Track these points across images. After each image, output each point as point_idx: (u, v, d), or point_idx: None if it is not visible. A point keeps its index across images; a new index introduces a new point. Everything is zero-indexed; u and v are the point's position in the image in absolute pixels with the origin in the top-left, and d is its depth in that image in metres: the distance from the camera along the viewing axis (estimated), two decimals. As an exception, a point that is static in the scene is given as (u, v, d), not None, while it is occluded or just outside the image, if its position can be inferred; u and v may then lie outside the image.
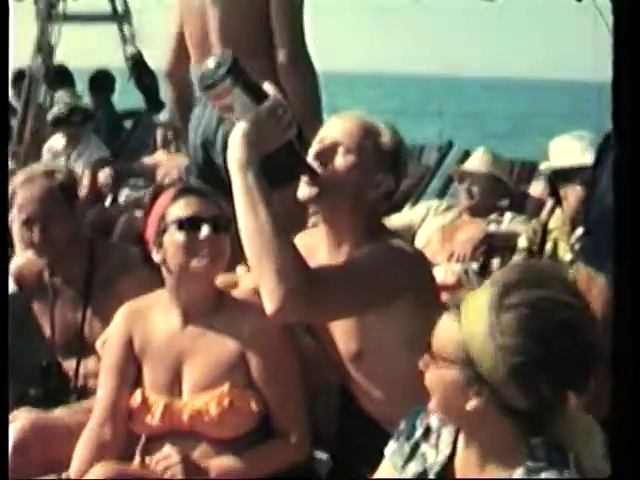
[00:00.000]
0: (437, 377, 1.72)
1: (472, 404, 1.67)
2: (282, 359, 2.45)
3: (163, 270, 2.48)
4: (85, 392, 2.93)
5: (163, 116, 6.05)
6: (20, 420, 2.69)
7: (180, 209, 2.43)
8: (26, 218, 2.97)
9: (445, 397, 1.73)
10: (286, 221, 2.30)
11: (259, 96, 2.18)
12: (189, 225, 2.41)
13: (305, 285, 2.08)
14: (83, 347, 2.97)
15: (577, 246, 3.33)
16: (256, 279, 2.14)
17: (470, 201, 4.38)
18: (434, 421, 1.86)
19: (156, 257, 2.46)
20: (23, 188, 2.99)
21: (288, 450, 2.44)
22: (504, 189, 4.47)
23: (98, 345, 2.67)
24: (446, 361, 1.69)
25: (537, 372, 1.63)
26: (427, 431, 1.87)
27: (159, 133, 6.08)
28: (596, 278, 2.82)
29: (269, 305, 2.08)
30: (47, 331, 3.11)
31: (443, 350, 1.70)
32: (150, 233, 2.47)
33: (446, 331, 1.71)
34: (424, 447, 1.86)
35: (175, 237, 2.41)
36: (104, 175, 5.93)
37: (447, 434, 1.84)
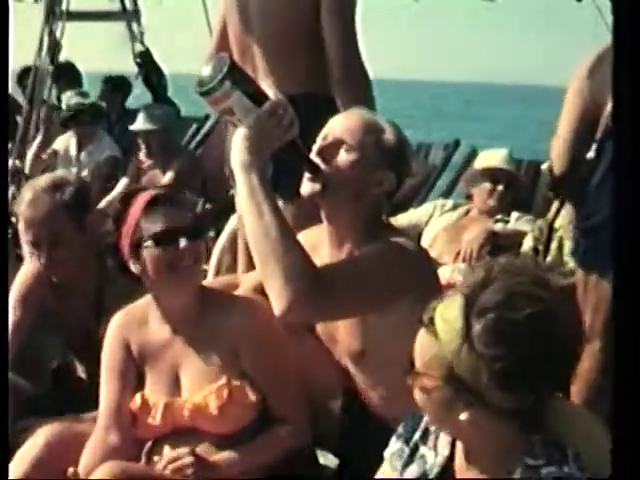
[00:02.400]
0: (424, 395, 1.72)
1: (464, 416, 1.67)
2: (273, 348, 2.46)
3: (145, 280, 2.47)
4: (95, 399, 2.82)
5: (144, 124, 5.85)
6: (44, 434, 2.60)
7: (154, 223, 2.41)
8: (32, 241, 2.90)
9: (436, 413, 1.73)
10: (299, 220, 2.31)
11: (259, 98, 2.19)
12: (165, 239, 2.39)
13: (312, 286, 2.09)
14: (95, 356, 2.95)
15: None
16: (263, 280, 2.15)
17: (490, 200, 4.32)
18: None
19: (134, 268, 2.45)
20: (27, 208, 2.89)
21: (288, 436, 2.45)
22: (519, 189, 4.45)
23: None
24: (430, 378, 1.69)
25: (519, 373, 1.62)
26: (425, 433, 1.87)
27: (141, 141, 5.90)
28: (590, 279, 2.83)
29: (277, 306, 2.09)
30: (61, 335, 3.08)
31: (426, 368, 1.70)
32: (124, 244, 2.45)
33: (425, 347, 1.71)
34: (423, 449, 1.87)
35: (152, 252, 2.40)
36: (120, 188, 5.85)
37: (445, 436, 1.84)
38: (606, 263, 2.72)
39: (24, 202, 2.92)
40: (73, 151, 6.13)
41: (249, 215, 2.13)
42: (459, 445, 1.81)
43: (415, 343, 1.73)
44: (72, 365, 3.10)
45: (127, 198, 2.50)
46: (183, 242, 2.39)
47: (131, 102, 7.53)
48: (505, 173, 4.35)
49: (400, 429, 1.92)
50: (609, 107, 2.75)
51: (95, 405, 2.75)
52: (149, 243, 2.40)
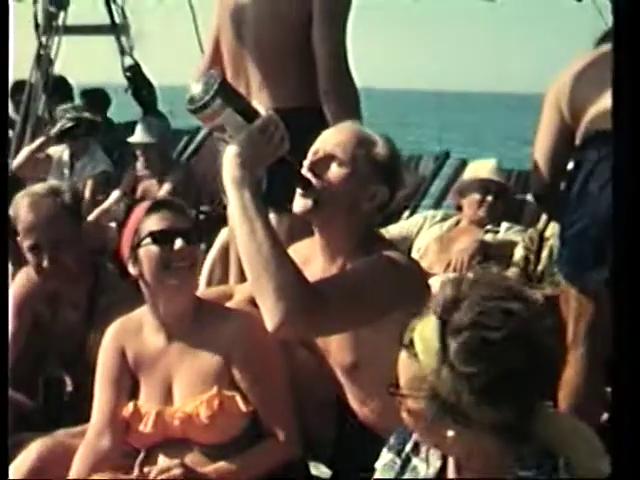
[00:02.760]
0: (410, 415, 1.72)
1: (450, 434, 1.67)
2: (265, 361, 2.47)
3: (141, 284, 2.50)
4: (84, 412, 2.79)
5: (143, 137, 5.91)
6: (37, 447, 2.60)
7: (154, 223, 2.45)
8: (33, 244, 2.91)
9: (423, 432, 1.74)
10: (291, 235, 2.30)
11: (249, 114, 2.20)
12: (162, 238, 2.43)
13: (305, 302, 2.09)
14: (85, 369, 2.95)
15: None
16: (255, 296, 2.15)
17: (480, 211, 4.33)
18: None
19: (132, 270, 2.49)
20: (28, 212, 2.91)
21: (277, 449, 2.45)
22: (508, 199, 4.46)
23: None
24: (414, 398, 1.69)
25: (499, 388, 1.62)
26: (417, 445, 1.87)
27: (139, 154, 5.95)
28: (571, 291, 2.84)
29: (270, 322, 2.09)
30: (51, 347, 3.08)
31: (409, 388, 1.70)
32: (125, 247, 2.49)
33: (406, 368, 1.71)
34: (415, 461, 1.87)
35: (149, 250, 2.44)
36: (112, 200, 5.92)
37: None
38: (587, 271, 2.74)
39: (23, 207, 2.93)
40: (66, 164, 6.13)
41: (241, 231, 2.14)
42: (451, 457, 1.81)
43: (398, 366, 1.73)
44: (62, 378, 3.09)
45: (131, 207, 2.57)
46: (179, 242, 2.42)
47: (116, 115, 7.55)
48: (494, 184, 4.37)
49: (391, 440, 1.93)
50: (588, 116, 2.78)
51: (85, 418, 2.76)
52: (147, 241, 2.44)
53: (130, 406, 2.50)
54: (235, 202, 2.15)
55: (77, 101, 7.28)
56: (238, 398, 2.44)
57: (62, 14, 6.32)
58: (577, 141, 2.88)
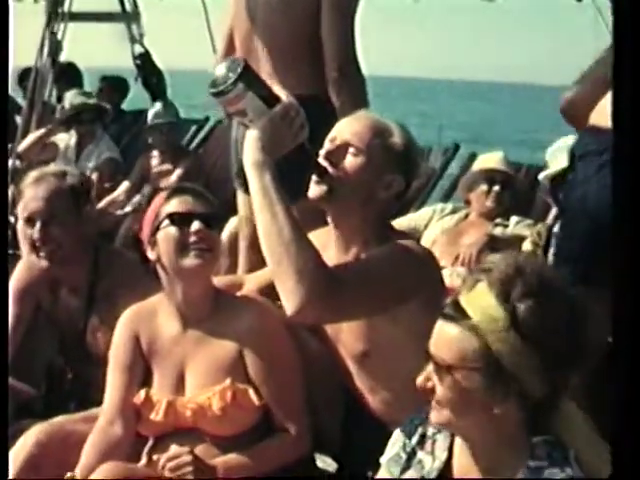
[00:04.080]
0: (458, 388, 1.69)
1: (500, 407, 1.67)
2: (279, 355, 2.47)
3: (159, 270, 2.50)
4: (85, 400, 2.87)
5: (156, 118, 5.96)
6: (35, 433, 2.61)
7: (173, 206, 2.47)
8: (28, 215, 2.91)
9: (468, 406, 1.70)
10: (313, 219, 2.31)
11: (271, 100, 2.21)
12: (180, 219, 2.44)
13: (324, 286, 2.09)
14: (85, 356, 2.95)
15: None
16: (275, 279, 2.14)
17: (488, 202, 4.33)
18: (429, 428, 1.86)
19: (151, 255, 2.49)
20: (31, 186, 2.94)
21: (288, 444, 2.46)
22: (516, 190, 4.45)
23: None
24: (465, 370, 1.67)
25: (557, 357, 1.65)
26: (422, 438, 1.87)
27: (153, 136, 5.98)
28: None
29: (289, 305, 2.09)
30: (52, 335, 3.08)
31: (461, 360, 1.67)
32: (145, 233, 2.50)
33: (460, 341, 1.68)
34: (420, 454, 1.87)
35: (167, 231, 2.44)
36: (122, 190, 5.93)
37: (442, 440, 1.84)
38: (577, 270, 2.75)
39: (29, 179, 2.96)
40: (72, 149, 6.12)
41: (262, 214, 2.13)
42: (457, 449, 1.81)
43: (436, 340, 1.71)
44: (63, 365, 3.09)
45: (153, 195, 2.59)
46: (197, 224, 2.42)
47: (126, 104, 7.54)
48: (500, 173, 4.36)
49: (396, 434, 1.92)
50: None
51: (86, 404, 2.76)
52: (165, 223, 2.44)
53: (142, 394, 2.50)
54: (256, 185, 2.15)
55: (96, 86, 7.29)
56: (251, 391, 2.44)
57: (68, 0, 6.30)
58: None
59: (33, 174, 3.00)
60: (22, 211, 2.94)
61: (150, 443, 2.51)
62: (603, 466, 1.68)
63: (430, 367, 1.72)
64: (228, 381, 2.43)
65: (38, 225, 2.89)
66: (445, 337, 1.70)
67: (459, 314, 1.69)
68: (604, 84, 2.69)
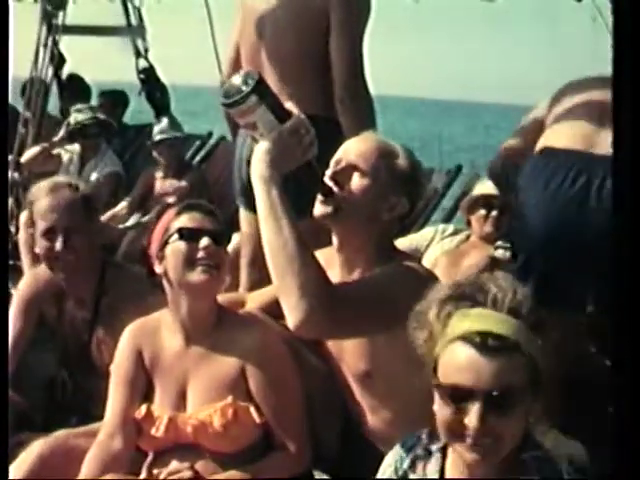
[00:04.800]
0: (520, 414, 1.68)
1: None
2: (281, 374, 2.47)
3: (165, 284, 2.50)
4: (86, 414, 2.86)
5: (161, 133, 5.95)
6: (38, 447, 2.61)
7: (183, 221, 2.48)
8: (49, 227, 2.91)
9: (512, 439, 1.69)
10: (316, 238, 2.31)
11: (282, 115, 2.21)
12: (190, 235, 2.45)
13: (328, 301, 2.10)
14: (88, 369, 2.95)
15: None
16: (279, 294, 2.15)
17: (486, 227, 4.33)
18: (420, 451, 1.87)
19: (158, 269, 2.50)
20: (46, 197, 2.94)
21: (287, 462, 2.46)
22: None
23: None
24: (521, 394, 1.67)
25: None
26: (414, 462, 1.87)
27: (158, 151, 5.98)
28: None
29: (291, 319, 2.10)
30: (56, 349, 3.08)
31: (518, 385, 1.66)
32: (154, 247, 2.51)
33: (512, 366, 1.67)
34: (412, 477, 1.86)
35: (176, 246, 2.45)
36: (124, 204, 5.94)
37: (434, 463, 1.84)
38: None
39: (42, 192, 2.96)
40: (76, 163, 6.13)
41: (267, 229, 2.14)
42: (448, 471, 1.81)
43: (482, 370, 1.67)
44: (66, 378, 3.09)
45: (163, 211, 2.61)
46: (205, 240, 2.43)
47: (129, 118, 7.55)
48: (498, 199, 4.36)
49: (388, 458, 1.93)
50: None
51: (88, 418, 2.75)
52: (174, 237, 2.46)
53: (143, 409, 2.50)
54: (262, 199, 2.16)
55: (94, 101, 7.29)
56: (252, 409, 2.44)
57: (61, 14, 6.28)
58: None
59: (44, 185, 3.00)
60: (39, 222, 2.93)
61: (150, 458, 2.52)
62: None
63: (478, 405, 1.66)
64: (230, 398, 2.43)
65: (61, 238, 2.90)
66: (494, 366, 1.66)
67: (499, 342, 1.66)
68: (537, 135, 2.99)
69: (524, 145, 3.13)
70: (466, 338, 1.68)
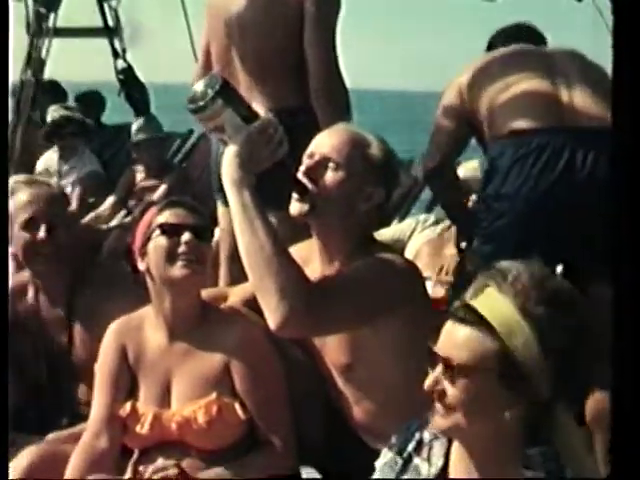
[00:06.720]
0: (472, 389, 1.69)
1: (511, 411, 1.69)
2: (265, 370, 2.47)
3: (148, 281, 2.51)
4: (77, 416, 2.84)
5: (139, 133, 5.93)
6: (28, 455, 2.59)
7: (165, 217, 2.49)
8: (30, 216, 2.84)
9: (481, 408, 1.70)
10: (293, 235, 2.32)
11: (249, 116, 2.22)
12: (172, 230, 2.45)
13: (307, 301, 2.11)
14: (71, 370, 2.91)
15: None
16: (258, 295, 2.16)
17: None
18: (426, 434, 1.87)
19: (141, 265, 2.50)
20: (25, 190, 2.88)
21: (273, 457, 2.46)
22: None
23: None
24: (481, 371, 1.68)
25: (570, 367, 1.68)
26: (419, 444, 1.87)
27: (138, 151, 5.96)
28: None
29: (272, 322, 2.11)
30: (35, 352, 3.01)
31: (477, 361, 1.68)
32: (137, 243, 2.52)
33: (477, 345, 1.69)
34: (417, 460, 1.86)
35: (158, 241, 2.46)
36: (107, 205, 5.91)
37: (439, 446, 1.84)
38: None
39: (21, 184, 2.91)
40: (55, 166, 6.11)
41: (242, 231, 2.15)
42: (454, 456, 1.81)
43: (448, 341, 1.71)
44: (44, 376, 3.05)
45: (147, 208, 2.62)
46: (187, 236, 2.43)
47: (108, 118, 7.53)
48: (475, 183, 4.35)
49: (393, 440, 1.92)
50: (498, 115, 2.98)
51: (70, 417, 2.78)
52: (156, 233, 2.46)
53: (128, 406, 2.50)
54: (235, 202, 2.16)
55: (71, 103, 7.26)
56: (237, 405, 2.44)
57: (52, 16, 6.27)
58: (487, 139, 3.04)
59: (20, 178, 2.97)
60: (19, 215, 2.85)
61: (135, 455, 2.51)
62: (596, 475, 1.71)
63: (438, 370, 1.71)
64: (214, 395, 2.43)
65: (44, 226, 2.84)
66: (460, 338, 1.70)
67: (473, 316, 1.70)
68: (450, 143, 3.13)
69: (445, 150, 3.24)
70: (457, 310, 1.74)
